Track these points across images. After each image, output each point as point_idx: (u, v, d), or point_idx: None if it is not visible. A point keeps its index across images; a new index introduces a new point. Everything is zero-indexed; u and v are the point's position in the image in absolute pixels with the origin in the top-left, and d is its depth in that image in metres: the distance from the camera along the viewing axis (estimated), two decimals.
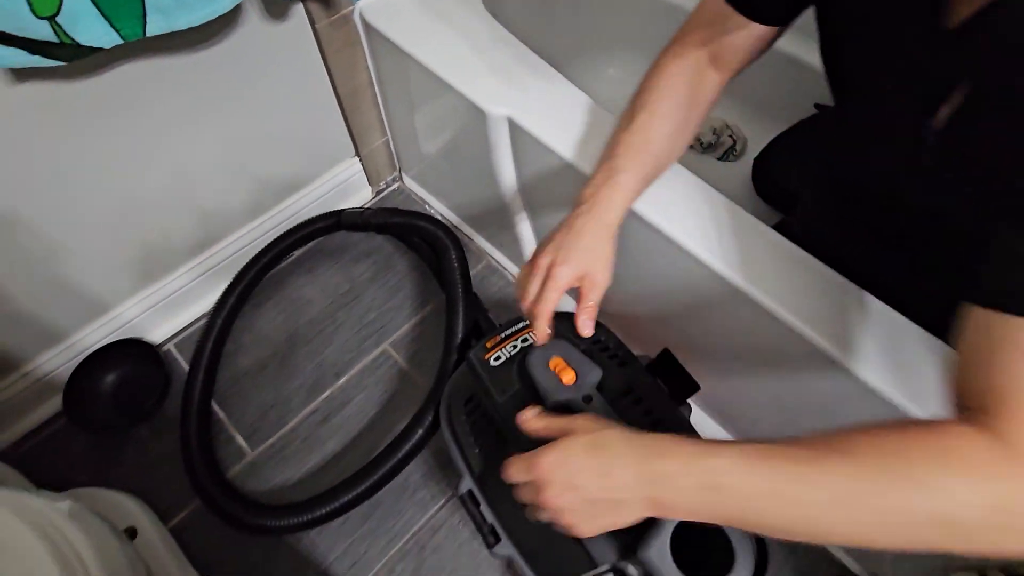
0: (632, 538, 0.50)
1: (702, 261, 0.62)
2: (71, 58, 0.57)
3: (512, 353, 0.64)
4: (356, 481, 0.75)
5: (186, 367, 0.96)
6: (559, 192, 0.76)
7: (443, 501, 0.87)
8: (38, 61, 0.55)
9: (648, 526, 0.48)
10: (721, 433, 0.86)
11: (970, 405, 0.37)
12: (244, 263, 0.99)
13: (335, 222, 1.00)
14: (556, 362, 0.57)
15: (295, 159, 0.99)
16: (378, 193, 1.17)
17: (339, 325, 1.02)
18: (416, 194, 1.17)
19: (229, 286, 0.97)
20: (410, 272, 1.07)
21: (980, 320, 0.37)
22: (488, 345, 0.66)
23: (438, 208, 1.14)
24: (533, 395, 0.58)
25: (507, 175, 0.83)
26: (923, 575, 0.65)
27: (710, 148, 1.11)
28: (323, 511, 0.74)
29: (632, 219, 0.65)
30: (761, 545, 0.54)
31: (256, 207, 1.00)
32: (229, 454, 0.90)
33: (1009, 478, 0.34)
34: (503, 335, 0.67)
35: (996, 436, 0.34)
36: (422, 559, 0.83)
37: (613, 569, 0.57)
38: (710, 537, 0.51)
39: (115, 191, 0.79)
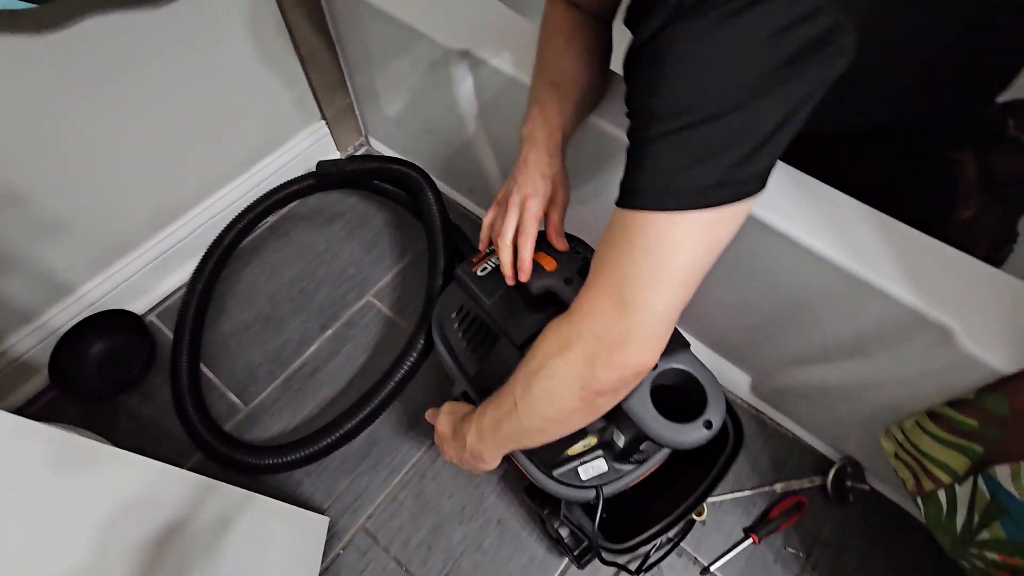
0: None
1: None
2: (42, 0, 0.59)
3: (496, 264, 0.68)
4: (358, 408, 0.78)
5: (170, 335, 0.96)
6: (519, 118, 0.80)
7: None
8: (9, 3, 0.57)
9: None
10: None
11: None
12: (218, 231, 1.00)
13: (311, 183, 1.02)
14: (537, 254, 0.61)
15: (261, 123, 1.01)
16: (347, 157, 1.19)
17: (320, 282, 1.04)
18: (384, 155, 1.19)
19: (207, 252, 0.98)
20: (386, 227, 1.10)
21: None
22: (474, 260, 0.70)
23: None
24: (519, 288, 0.62)
25: (470, 112, 0.87)
26: (881, 432, 0.71)
27: None
28: (330, 439, 0.77)
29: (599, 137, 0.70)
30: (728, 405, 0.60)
31: (226, 174, 1.01)
32: (223, 410, 0.92)
33: (565, 337, 0.46)
34: (486, 251, 0.71)
35: (568, 312, 0.47)
36: (422, 487, 0.86)
37: (600, 444, 0.62)
38: (685, 394, 0.56)
39: (83, 158, 0.79)
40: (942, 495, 0.63)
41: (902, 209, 0.65)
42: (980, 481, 0.58)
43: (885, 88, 0.56)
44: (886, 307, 0.61)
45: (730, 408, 0.69)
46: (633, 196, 0.41)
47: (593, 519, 0.63)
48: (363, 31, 0.91)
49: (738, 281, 0.74)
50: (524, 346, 0.61)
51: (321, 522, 0.78)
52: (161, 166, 0.90)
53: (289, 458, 0.78)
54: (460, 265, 0.70)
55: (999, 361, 0.55)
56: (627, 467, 0.62)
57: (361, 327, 1.00)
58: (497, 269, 0.66)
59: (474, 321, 0.68)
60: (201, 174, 0.97)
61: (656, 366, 0.54)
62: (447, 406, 0.66)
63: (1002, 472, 0.55)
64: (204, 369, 0.95)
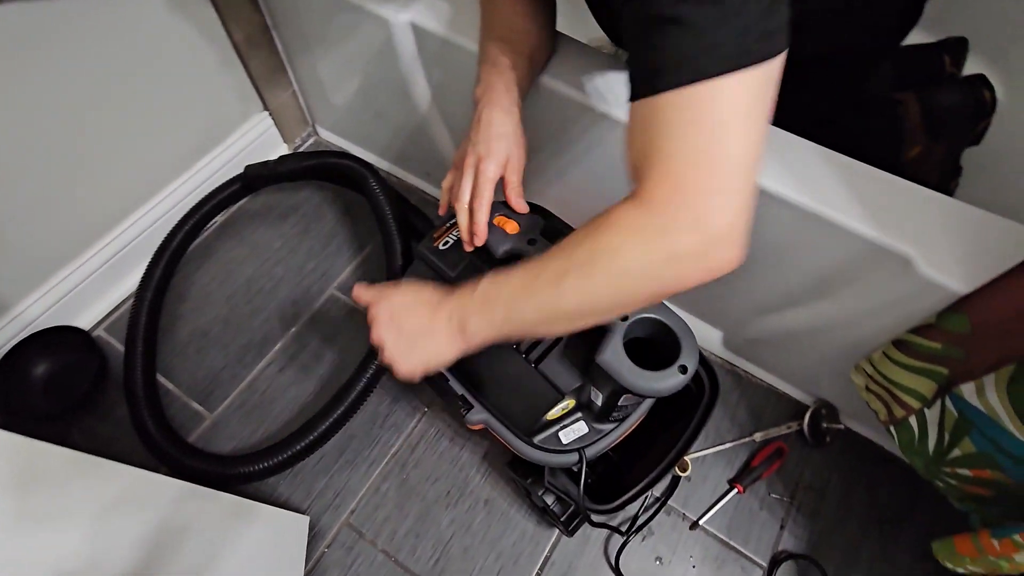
0: (587, 359, 0.54)
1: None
2: None
3: (458, 237, 0.66)
4: (332, 407, 0.74)
5: (121, 348, 0.91)
6: (470, 90, 0.78)
7: (417, 419, 0.88)
8: None
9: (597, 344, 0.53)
10: None
11: (634, 180, 0.42)
12: (162, 236, 0.95)
13: (242, 185, 0.96)
14: (499, 219, 0.60)
15: (200, 116, 0.96)
16: (295, 150, 1.15)
17: (279, 279, 1.00)
18: (335, 146, 1.15)
19: (154, 257, 0.93)
20: (342, 219, 1.07)
21: (633, 110, 0.42)
22: (435, 236, 0.68)
23: (360, 155, 1.13)
24: (483, 256, 0.61)
25: (419, 88, 0.84)
26: (851, 368, 0.73)
27: None
28: (307, 441, 0.73)
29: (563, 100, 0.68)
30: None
31: (166, 173, 0.96)
32: (186, 421, 0.87)
33: (650, 231, 0.40)
34: (446, 226, 0.69)
35: (640, 200, 0.41)
36: (405, 475, 0.84)
37: (579, 405, 0.61)
38: (658, 343, 0.56)
39: (12, 163, 0.74)
40: (913, 421, 0.64)
41: (851, 152, 0.66)
42: (947, 402, 0.59)
43: (811, 13, 0.56)
44: (846, 242, 0.61)
45: (703, 360, 0.69)
46: (676, 72, 0.36)
47: (578, 483, 0.62)
48: (298, 10, 0.87)
49: None
50: None
51: (301, 521, 0.75)
52: (92, 167, 0.84)
53: (261, 466, 0.74)
54: (421, 242, 0.68)
55: (957, 283, 0.56)
56: (608, 426, 0.61)
57: (327, 321, 0.96)
58: (459, 241, 0.64)
59: None
60: (139, 174, 0.92)
61: (627, 317, 0.54)
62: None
63: (967, 389, 0.57)
64: (162, 380, 0.90)
